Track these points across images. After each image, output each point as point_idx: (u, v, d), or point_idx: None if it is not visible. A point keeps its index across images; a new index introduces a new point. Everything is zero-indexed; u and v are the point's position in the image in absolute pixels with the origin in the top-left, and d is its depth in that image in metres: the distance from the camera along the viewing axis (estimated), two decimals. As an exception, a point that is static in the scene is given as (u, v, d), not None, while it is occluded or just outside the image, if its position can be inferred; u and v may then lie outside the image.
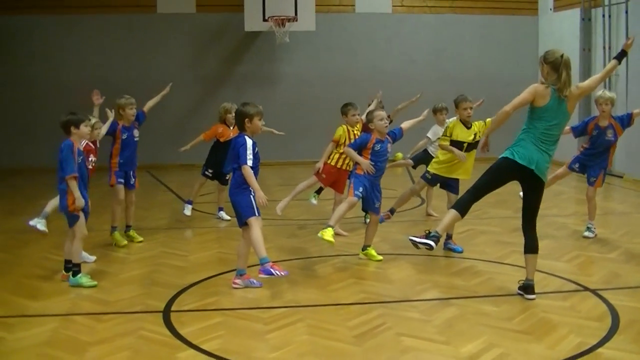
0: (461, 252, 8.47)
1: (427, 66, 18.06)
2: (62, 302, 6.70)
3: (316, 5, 16.52)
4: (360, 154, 7.99)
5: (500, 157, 6.64)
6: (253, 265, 7.27)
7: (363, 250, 8.23)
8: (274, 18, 16.06)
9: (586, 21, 16.07)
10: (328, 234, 7.71)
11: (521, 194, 6.92)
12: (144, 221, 10.25)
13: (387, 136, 8.06)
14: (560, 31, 17.24)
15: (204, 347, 5.49)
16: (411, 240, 6.87)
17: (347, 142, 8.98)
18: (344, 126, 9.14)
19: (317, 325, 5.99)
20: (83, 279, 7.17)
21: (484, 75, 17.97)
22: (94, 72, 16.98)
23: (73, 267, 7.22)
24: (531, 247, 6.64)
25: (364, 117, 8.94)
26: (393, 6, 18.03)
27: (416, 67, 17.87)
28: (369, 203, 8.06)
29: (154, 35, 17.39)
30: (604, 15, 15.44)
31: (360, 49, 18.04)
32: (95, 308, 6.52)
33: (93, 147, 8.06)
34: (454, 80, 17.83)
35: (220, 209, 10.60)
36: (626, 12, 14.57)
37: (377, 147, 7.94)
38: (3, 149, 16.59)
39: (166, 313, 6.32)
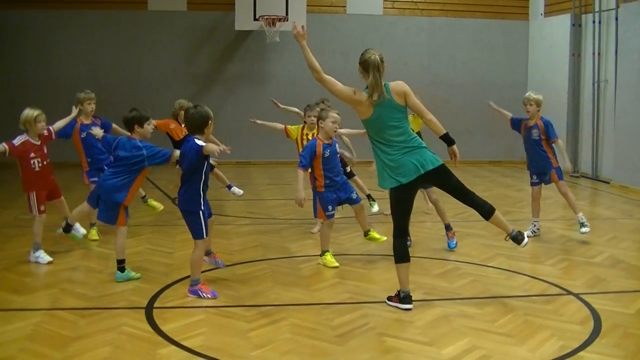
0: (454, 248, 8.59)
1: (419, 69, 18.07)
2: (45, 297, 6.68)
3: (307, 5, 16.52)
4: (312, 164, 7.85)
5: (389, 189, 6.37)
6: (237, 263, 7.25)
7: (365, 235, 8.21)
8: (265, 17, 16.06)
9: (576, 27, 16.15)
10: (328, 260, 7.82)
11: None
12: (129, 218, 10.19)
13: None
14: (550, 36, 17.35)
15: (185, 343, 5.48)
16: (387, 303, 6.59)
17: (299, 141, 9.19)
18: (300, 127, 9.11)
19: (300, 324, 5.99)
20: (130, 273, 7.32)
21: (476, 79, 18.08)
22: (85, 68, 17.00)
23: (119, 264, 7.30)
24: (487, 210, 6.38)
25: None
26: (384, 8, 18.05)
27: (408, 70, 17.84)
28: (348, 200, 8.04)
29: (145, 32, 17.37)
30: (594, 22, 15.52)
31: (351, 50, 17.93)
32: (78, 303, 6.50)
33: (37, 144, 7.87)
34: (446, 84, 17.98)
35: (230, 187, 10.43)
36: (616, 18, 14.64)
37: (327, 152, 7.81)
38: (-9, 144, 16.53)
39: (149, 309, 6.31)
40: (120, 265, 7.25)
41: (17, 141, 7.76)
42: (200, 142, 6.43)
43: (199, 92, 17.28)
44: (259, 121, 9.72)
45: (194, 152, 6.45)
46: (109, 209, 7.30)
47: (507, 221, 6.55)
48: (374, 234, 8.20)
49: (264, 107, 16.67)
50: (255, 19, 16.22)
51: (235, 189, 10.33)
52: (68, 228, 8.27)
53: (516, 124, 9.46)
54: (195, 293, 6.65)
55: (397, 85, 6.31)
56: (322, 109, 8.13)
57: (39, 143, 7.89)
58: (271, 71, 17.77)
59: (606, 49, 15.22)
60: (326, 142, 7.86)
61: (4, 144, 7.66)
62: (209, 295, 6.59)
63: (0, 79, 16.76)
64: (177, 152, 6.98)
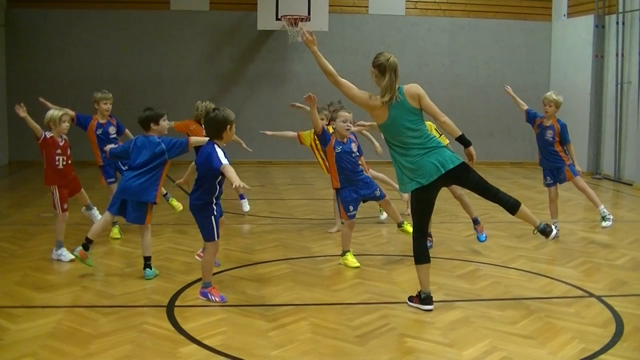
0: (484, 241, 8.57)
1: (441, 70, 18.01)
2: (67, 295, 6.72)
3: (329, 5, 16.49)
4: (325, 152, 8.08)
5: (411, 191, 6.32)
6: (258, 263, 7.24)
7: (399, 227, 8.25)
8: (287, 17, 16.06)
9: (599, 28, 16.03)
10: (350, 260, 7.84)
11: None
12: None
13: (351, 136, 8.05)
14: (573, 37, 17.23)
15: (206, 342, 5.49)
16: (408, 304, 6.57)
17: (314, 146, 9.24)
18: (312, 131, 9.04)
19: (320, 324, 5.99)
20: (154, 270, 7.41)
21: (497, 80, 17.92)
22: (107, 67, 17.06)
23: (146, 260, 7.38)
24: (512, 204, 6.32)
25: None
26: (406, 8, 18.00)
27: (429, 70, 17.81)
28: (372, 198, 8.10)
29: (167, 32, 17.42)
30: (617, 23, 15.40)
31: (372, 50, 17.78)
32: (99, 301, 6.55)
33: (61, 144, 8.05)
34: (467, 85, 17.93)
35: (242, 197, 10.52)
36: (640, 19, 14.53)
37: (338, 149, 7.90)
38: (15, 142, 16.67)
39: (170, 308, 6.34)
40: (148, 262, 7.33)
41: (48, 134, 7.99)
42: (222, 159, 6.23)
43: (220, 92, 17.33)
44: (269, 132, 9.67)
45: (210, 164, 6.30)
46: (139, 210, 7.33)
47: (533, 214, 6.49)
48: (408, 226, 8.08)
49: (285, 108, 16.71)
50: (277, 19, 16.20)
51: (244, 202, 10.41)
52: (90, 207, 8.78)
53: (531, 118, 9.44)
54: (205, 295, 6.62)
55: (411, 88, 6.31)
56: (333, 110, 8.17)
57: (62, 143, 8.06)
58: (293, 71, 17.76)
59: (629, 51, 15.10)
60: (340, 140, 7.95)
61: (42, 130, 7.98)
62: (217, 299, 6.54)
63: (23, 78, 16.82)
64: (193, 139, 7.27)
